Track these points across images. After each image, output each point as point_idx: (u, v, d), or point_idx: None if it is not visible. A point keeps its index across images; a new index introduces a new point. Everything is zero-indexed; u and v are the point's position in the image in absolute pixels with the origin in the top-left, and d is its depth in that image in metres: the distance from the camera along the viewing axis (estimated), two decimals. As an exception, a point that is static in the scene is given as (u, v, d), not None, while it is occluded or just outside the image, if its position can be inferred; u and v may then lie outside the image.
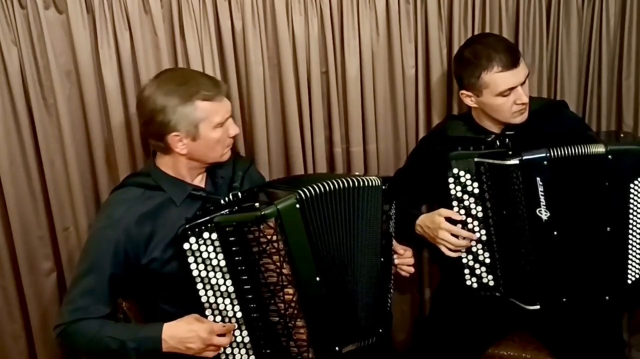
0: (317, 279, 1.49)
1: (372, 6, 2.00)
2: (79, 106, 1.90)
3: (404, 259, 1.71)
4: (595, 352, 1.68)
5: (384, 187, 1.58)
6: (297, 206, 1.45)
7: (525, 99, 1.70)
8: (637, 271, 1.61)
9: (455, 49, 2.04)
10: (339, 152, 2.10)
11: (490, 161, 1.61)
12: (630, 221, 1.59)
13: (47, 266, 1.98)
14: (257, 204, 1.45)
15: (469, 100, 1.80)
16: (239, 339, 1.51)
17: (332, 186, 1.51)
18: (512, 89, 1.70)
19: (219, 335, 1.46)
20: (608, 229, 1.59)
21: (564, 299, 1.65)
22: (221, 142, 1.53)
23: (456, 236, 1.70)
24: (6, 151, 1.87)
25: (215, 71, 1.94)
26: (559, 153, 1.57)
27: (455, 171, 1.66)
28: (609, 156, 1.55)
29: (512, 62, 1.68)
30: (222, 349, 1.51)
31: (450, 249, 1.71)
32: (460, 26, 2.05)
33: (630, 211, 1.58)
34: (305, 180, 1.62)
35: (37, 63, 1.84)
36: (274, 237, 1.42)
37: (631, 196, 1.57)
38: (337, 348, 1.53)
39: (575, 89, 2.15)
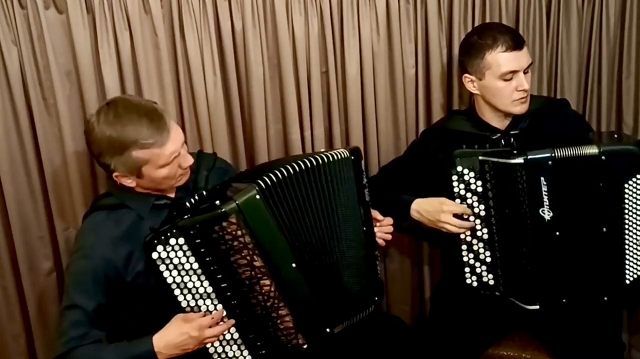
0: (293, 265, 1.47)
1: (372, 6, 2.00)
2: (79, 106, 1.90)
3: (383, 226, 1.72)
4: (594, 353, 1.68)
5: (352, 157, 1.57)
6: (258, 196, 1.43)
7: (526, 86, 1.71)
8: (634, 271, 1.61)
9: (456, 49, 2.04)
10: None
11: (495, 159, 1.61)
12: (626, 222, 1.59)
13: (47, 266, 1.98)
14: (217, 202, 1.42)
15: (471, 85, 1.81)
16: (227, 336, 1.51)
17: (295, 169, 1.48)
18: (514, 72, 1.71)
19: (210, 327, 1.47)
20: (604, 229, 1.59)
21: (564, 300, 1.65)
22: (170, 177, 1.49)
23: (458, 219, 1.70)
24: (6, 151, 1.87)
25: (215, 71, 1.95)
26: (563, 154, 1.57)
27: (459, 168, 1.66)
28: (602, 157, 1.55)
29: (516, 44, 1.71)
30: (216, 345, 1.51)
31: (452, 230, 1.71)
32: (460, 26, 2.05)
33: (626, 211, 1.58)
34: (268, 168, 1.56)
35: (37, 63, 1.84)
36: (238, 233, 1.40)
37: (626, 196, 1.56)
38: (327, 330, 1.53)
39: (575, 89, 2.15)
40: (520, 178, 1.58)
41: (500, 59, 1.70)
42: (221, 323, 1.49)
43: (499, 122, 1.83)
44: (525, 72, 1.72)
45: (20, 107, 1.86)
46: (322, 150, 1.83)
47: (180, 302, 1.46)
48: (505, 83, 1.72)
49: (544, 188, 1.57)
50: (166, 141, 1.44)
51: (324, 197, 1.53)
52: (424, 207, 1.76)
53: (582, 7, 2.08)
